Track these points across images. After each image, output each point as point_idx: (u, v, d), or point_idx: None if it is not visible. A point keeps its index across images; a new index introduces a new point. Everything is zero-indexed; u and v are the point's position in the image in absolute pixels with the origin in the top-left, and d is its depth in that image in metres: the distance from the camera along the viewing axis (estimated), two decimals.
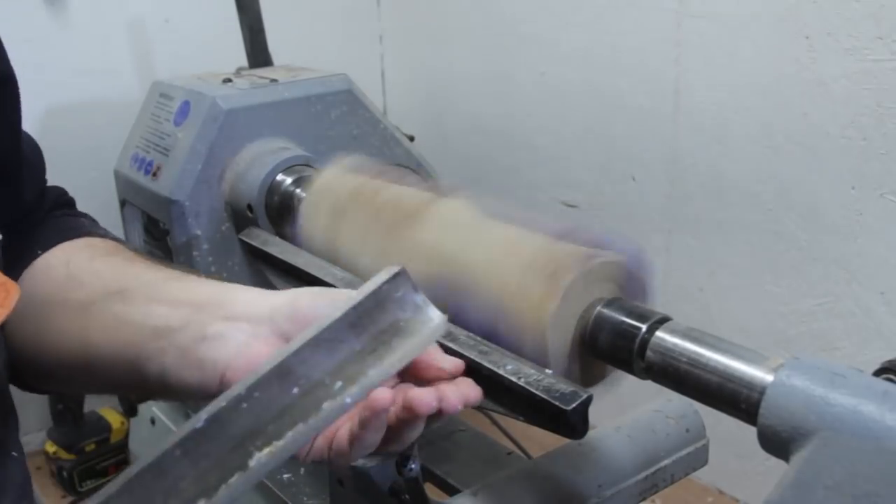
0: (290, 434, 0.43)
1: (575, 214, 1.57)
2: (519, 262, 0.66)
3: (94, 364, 0.59)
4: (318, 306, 0.52)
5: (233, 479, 0.41)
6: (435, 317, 0.48)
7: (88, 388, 0.67)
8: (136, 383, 0.58)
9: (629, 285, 0.66)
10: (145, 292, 0.59)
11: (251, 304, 0.55)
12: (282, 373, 0.44)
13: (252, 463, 0.42)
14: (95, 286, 0.60)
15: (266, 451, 0.42)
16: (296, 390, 0.44)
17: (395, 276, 0.47)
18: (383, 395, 0.46)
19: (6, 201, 0.64)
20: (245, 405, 0.43)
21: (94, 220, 0.73)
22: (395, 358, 0.46)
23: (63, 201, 0.73)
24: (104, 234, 0.70)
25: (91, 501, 0.43)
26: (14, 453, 0.56)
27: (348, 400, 0.44)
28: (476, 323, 0.67)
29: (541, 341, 0.63)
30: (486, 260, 0.68)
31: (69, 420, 1.43)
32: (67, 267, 0.62)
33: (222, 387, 0.51)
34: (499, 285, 0.66)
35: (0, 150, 0.63)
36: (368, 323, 0.47)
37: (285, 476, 0.99)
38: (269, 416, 0.43)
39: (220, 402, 0.43)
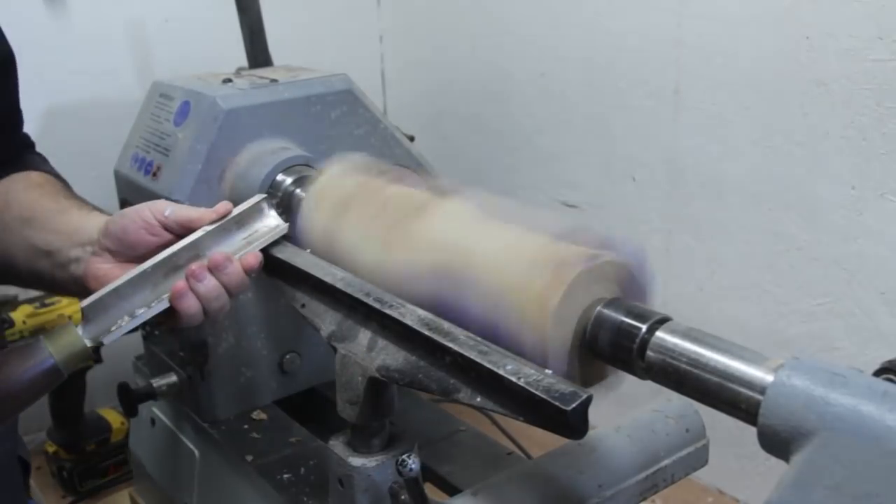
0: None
1: (575, 214, 1.57)
2: (522, 257, 0.66)
3: (15, 269, 0.86)
4: (119, 223, 0.80)
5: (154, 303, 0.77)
6: (280, 223, 0.84)
7: (12, 283, 0.95)
8: (42, 285, 0.89)
9: (630, 287, 0.66)
10: (42, 222, 0.84)
11: (91, 231, 0.81)
12: (191, 246, 0.79)
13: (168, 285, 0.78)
14: (16, 212, 0.85)
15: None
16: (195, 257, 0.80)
17: (263, 199, 0.85)
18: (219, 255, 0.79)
19: (3, 143, 0.92)
20: (167, 261, 0.78)
21: (44, 158, 0.99)
22: (256, 242, 0.82)
23: (28, 142, 1.00)
24: (46, 170, 0.95)
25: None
26: None
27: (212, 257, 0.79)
28: (476, 316, 0.67)
29: (540, 337, 0.63)
30: (490, 254, 0.68)
31: (69, 420, 1.43)
32: (7, 195, 0.87)
33: (89, 289, 0.78)
34: (501, 279, 0.66)
35: (7, 109, 0.93)
36: (244, 223, 0.83)
37: (286, 476, 0.99)
38: (180, 262, 0.79)
39: (153, 260, 0.78)
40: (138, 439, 1.32)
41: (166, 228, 0.80)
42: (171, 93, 1.11)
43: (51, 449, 1.46)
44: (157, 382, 1.14)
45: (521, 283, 0.65)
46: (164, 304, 0.77)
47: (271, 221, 0.84)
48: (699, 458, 0.85)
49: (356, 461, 0.76)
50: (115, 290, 0.76)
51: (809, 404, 0.49)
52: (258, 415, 1.13)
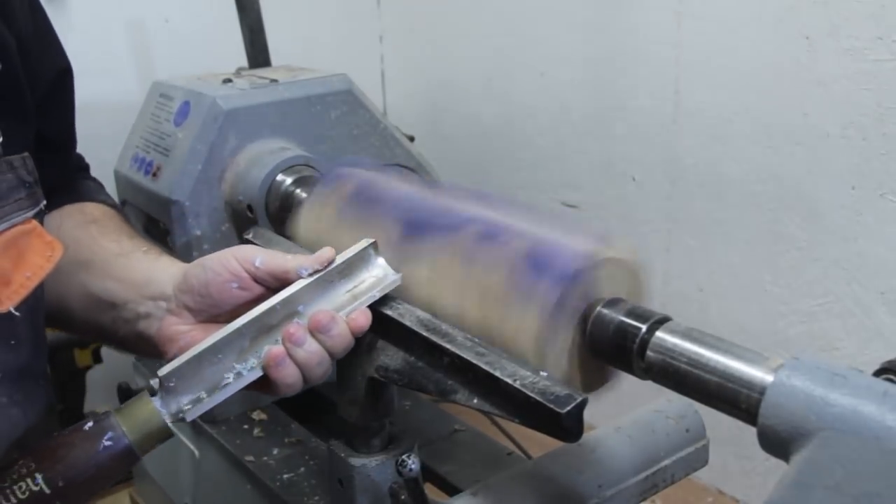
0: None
1: (575, 214, 1.57)
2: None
3: (70, 318, 0.75)
4: (201, 276, 0.69)
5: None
6: (390, 274, 0.71)
7: (66, 331, 0.84)
8: (103, 339, 0.80)
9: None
10: (102, 266, 0.73)
11: (164, 283, 0.71)
12: (287, 301, 0.67)
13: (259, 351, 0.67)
14: (71, 254, 0.70)
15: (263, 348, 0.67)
16: (300, 308, 0.68)
17: (371, 245, 0.71)
18: (328, 314, 0.67)
19: (56, 169, 0.77)
20: (259, 320, 0.66)
21: (100, 185, 0.88)
22: (364, 297, 0.70)
23: (82, 165, 0.88)
24: (102, 200, 0.84)
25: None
26: (42, 381, 0.69)
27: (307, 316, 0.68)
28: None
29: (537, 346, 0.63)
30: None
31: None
32: (59, 231, 0.72)
33: (161, 354, 0.69)
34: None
35: (61, 128, 0.79)
36: (349, 273, 0.70)
37: (286, 476, 0.99)
38: (275, 321, 0.67)
39: (242, 320, 0.66)
40: None
41: (257, 280, 0.68)
42: (171, 93, 1.11)
43: None
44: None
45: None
46: (258, 373, 0.66)
47: (379, 271, 0.71)
48: (699, 458, 0.85)
49: (356, 461, 0.76)
50: (198, 356, 0.64)
51: (809, 404, 0.49)
52: (258, 415, 1.13)
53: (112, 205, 0.84)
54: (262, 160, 1.01)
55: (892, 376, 0.58)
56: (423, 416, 1.11)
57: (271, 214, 0.99)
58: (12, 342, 0.62)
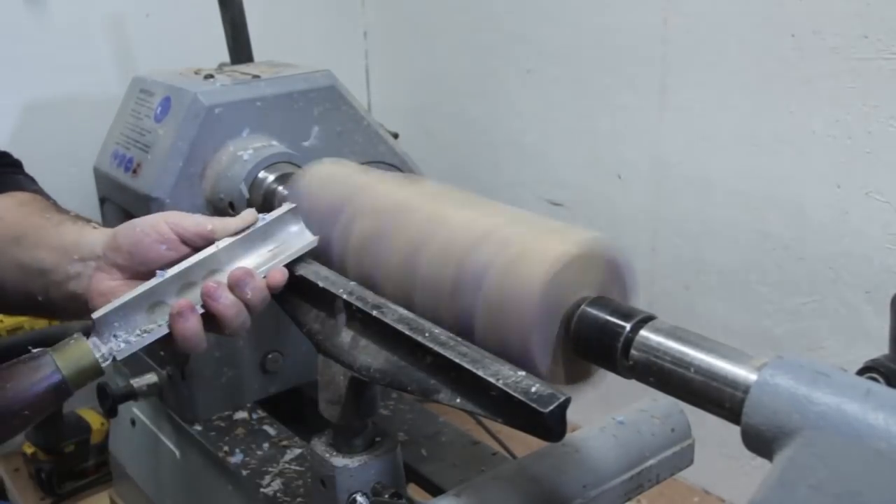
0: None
1: (560, 213, 1.57)
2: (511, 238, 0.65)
3: (2, 294, 0.78)
4: (130, 236, 0.73)
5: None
6: (309, 236, 0.77)
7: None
8: (33, 309, 0.80)
9: (615, 284, 0.66)
10: (33, 239, 0.76)
11: (93, 245, 0.74)
12: (210, 258, 0.73)
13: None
14: (1, 231, 0.77)
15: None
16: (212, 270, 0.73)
17: (293, 209, 0.77)
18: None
19: None
20: (183, 275, 0.72)
21: (31, 179, 0.92)
22: (281, 256, 0.75)
23: (9, 161, 0.93)
24: (33, 190, 0.87)
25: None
26: None
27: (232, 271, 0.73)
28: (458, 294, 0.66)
29: (531, 305, 0.61)
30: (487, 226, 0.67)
31: (48, 421, 1.41)
32: None
33: (91, 310, 0.70)
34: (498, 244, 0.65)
35: None
36: (270, 235, 0.76)
37: (268, 477, 0.98)
38: (197, 277, 0.73)
39: (171, 272, 0.71)
40: (118, 440, 1.30)
41: (185, 242, 0.73)
42: (151, 88, 1.10)
43: (29, 450, 1.44)
44: (137, 382, 1.12)
45: (523, 244, 0.64)
46: None
47: (299, 233, 0.77)
48: (684, 458, 0.84)
49: (338, 461, 0.76)
50: (128, 303, 0.69)
51: (793, 403, 0.48)
52: (240, 415, 1.12)
53: (42, 193, 0.88)
54: (243, 157, 0.99)
55: (875, 375, 0.57)
56: (406, 416, 1.10)
57: None
58: None
